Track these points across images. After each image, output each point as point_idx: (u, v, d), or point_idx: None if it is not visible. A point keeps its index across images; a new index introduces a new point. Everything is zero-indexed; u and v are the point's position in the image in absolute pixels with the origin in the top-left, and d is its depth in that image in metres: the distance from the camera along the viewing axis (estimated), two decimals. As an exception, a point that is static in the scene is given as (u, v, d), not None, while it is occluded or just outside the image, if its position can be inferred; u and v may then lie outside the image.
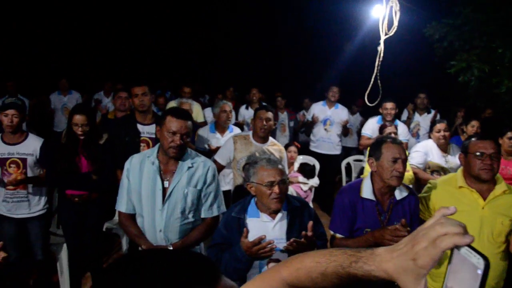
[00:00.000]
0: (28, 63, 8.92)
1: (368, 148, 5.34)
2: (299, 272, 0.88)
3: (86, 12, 9.68)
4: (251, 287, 0.95)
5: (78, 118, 3.35)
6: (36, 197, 3.60)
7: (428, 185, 2.81)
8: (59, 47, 9.63)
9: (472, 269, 0.68)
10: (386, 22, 4.19)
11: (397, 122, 5.73)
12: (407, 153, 4.27)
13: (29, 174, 3.51)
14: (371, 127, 5.39)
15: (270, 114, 3.69)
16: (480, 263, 0.67)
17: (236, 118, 6.40)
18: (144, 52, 10.81)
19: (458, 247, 0.71)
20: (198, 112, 5.64)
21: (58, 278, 3.82)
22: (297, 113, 7.59)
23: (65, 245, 3.82)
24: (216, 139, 4.49)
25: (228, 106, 4.60)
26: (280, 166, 2.36)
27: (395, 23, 4.18)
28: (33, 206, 3.59)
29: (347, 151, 6.77)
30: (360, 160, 6.02)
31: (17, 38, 8.84)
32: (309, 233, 2.16)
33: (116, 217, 4.30)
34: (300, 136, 7.34)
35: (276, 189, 2.25)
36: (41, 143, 3.55)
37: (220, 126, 4.60)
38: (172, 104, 5.68)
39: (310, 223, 2.20)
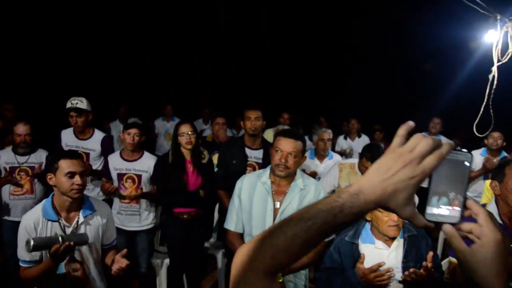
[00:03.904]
0: (134, 88, 9.60)
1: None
2: (277, 256, 0.79)
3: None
4: None
5: (184, 127, 3.55)
6: (146, 211, 3.82)
7: None
8: (164, 74, 10.27)
9: (459, 165, 0.78)
10: (499, 48, 3.96)
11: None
12: None
13: (143, 189, 3.74)
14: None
15: (380, 147, 3.65)
16: (467, 156, 0.79)
17: (333, 148, 6.34)
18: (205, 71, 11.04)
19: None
20: None
21: (156, 294, 3.99)
22: None
23: (165, 262, 3.98)
24: (315, 166, 4.50)
25: (328, 134, 4.59)
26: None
27: (510, 49, 3.94)
28: (143, 220, 3.81)
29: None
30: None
31: (126, 65, 9.58)
32: (429, 264, 2.04)
33: (212, 239, 4.44)
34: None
35: (394, 216, 2.16)
36: (155, 161, 3.79)
37: (319, 153, 4.62)
38: (269, 131, 5.79)
39: (430, 253, 2.08)
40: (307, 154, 4.73)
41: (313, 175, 4.21)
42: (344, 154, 5.99)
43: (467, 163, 0.79)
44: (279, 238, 0.79)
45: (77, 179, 2.38)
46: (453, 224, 0.80)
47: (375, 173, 0.76)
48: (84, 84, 7.95)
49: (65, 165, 2.38)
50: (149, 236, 3.91)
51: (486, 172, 4.95)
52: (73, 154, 2.51)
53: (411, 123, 0.81)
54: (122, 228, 3.74)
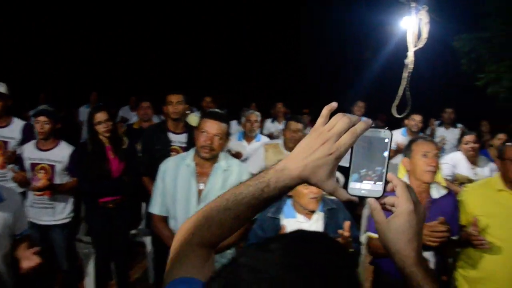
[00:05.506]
0: (60, 76, 9.08)
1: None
2: (212, 229, 0.87)
3: (109, 27, 9.81)
4: (176, 271, 0.90)
5: (99, 115, 3.40)
6: (61, 204, 3.59)
7: (465, 188, 2.77)
8: (90, 61, 9.80)
9: (380, 142, 0.83)
10: (415, 34, 4.19)
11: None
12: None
13: (57, 181, 3.52)
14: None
15: (300, 125, 3.77)
16: (387, 133, 0.83)
17: (261, 132, 6.45)
18: (166, 62, 10.86)
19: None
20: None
21: (83, 286, 3.84)
22: None
23: (92, 252, 3.83)
24: (242, 147, 4.57)
25: (255, 115, 4.70)
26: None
27: (424, 35, 4.18)
28: (57, 214, 3.58)
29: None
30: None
31: (49, 52, 9.01)
32: (346, 233, 2.13)
33: (140, 226, 4.35)
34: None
35: (313, 188, 2.23)
36: (71, 151, 3.58)
37: (246, 135, 4.71)
38: (193, 115, 5.75)
39: (347, 222, 2.17)
40: (235, 135, 4.81)
41: (238, 155, 4.28)
42: (272, 136, 6.13)
43: (387, 140, 0.83)
44: (213, 212, 0.88)
45: None
46: (378, 198, 0.85)
47: (299, 151, 0.82)
48: (110, 98, 7.50)
49: None
50: (66, 231, 3.66)
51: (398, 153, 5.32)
52: None
53: (334, 104, 0.86)
54: (35, 222, 3.50)
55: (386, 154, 0.83)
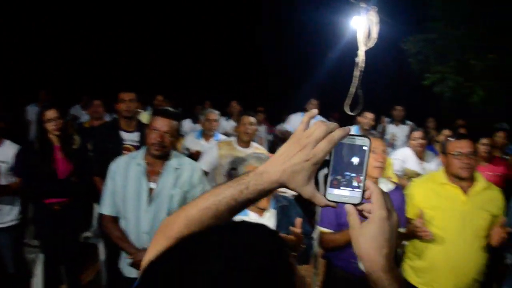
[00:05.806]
0: (7, 75, 8.70)
1: None
2: (191, 227, 0.88)
3: (62, 25, 9.52)
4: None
5: (50, 113, 3.28)
6: (7, 206, 3.45)
7: (412, 182, 2.89)
8: (39, 59, 9.43)
9: (358, 149, 0.84)
10: (365, 34, 4.31)
11: None
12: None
13: (2, 182, 3.37)
14: None
15: (252, 119, 3.80)
16: (365, 140, 0.84)
17: None
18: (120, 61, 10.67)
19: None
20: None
21: (32, 292, 3.68)
22: (275, 127, 7.73)
23: (40, 257, 3.68)
24: (201, 145, 4.54)
25: (214, 114, 4.68)
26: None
27: (374, 35, 4.30)
28: (3, 216, 3.44)
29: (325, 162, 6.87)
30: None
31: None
32: (298, 230, 2.15)
33: (93, 228, 4.22)
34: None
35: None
36: (16, 150, 3.43)
37: (205, 133, 4.70)
38: (144, 114, 5.67)
39: (299, 219, 2.19)
40: (194, 134, 4.78)
41: (197, 154, 4.24)
42: (227, 135, 6.14)
43: (365, 148, 0.85)
44: (192, 210, 0.89)
45: None
46: (356, 205, 0.85)
47: (279, 156, 0.84)
48: (63, 97, 7.08)
49: None
50: (13, 234, 3.54)
51: None
52: None
53: (314, 111, 0.89)
54: None
55: (364, 161, 0.84)
